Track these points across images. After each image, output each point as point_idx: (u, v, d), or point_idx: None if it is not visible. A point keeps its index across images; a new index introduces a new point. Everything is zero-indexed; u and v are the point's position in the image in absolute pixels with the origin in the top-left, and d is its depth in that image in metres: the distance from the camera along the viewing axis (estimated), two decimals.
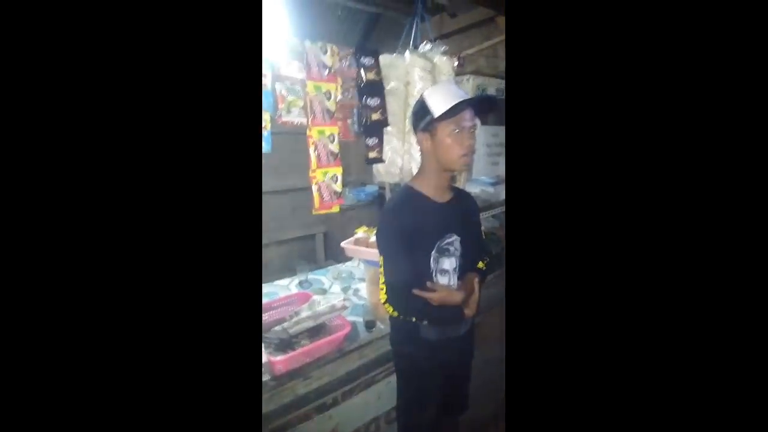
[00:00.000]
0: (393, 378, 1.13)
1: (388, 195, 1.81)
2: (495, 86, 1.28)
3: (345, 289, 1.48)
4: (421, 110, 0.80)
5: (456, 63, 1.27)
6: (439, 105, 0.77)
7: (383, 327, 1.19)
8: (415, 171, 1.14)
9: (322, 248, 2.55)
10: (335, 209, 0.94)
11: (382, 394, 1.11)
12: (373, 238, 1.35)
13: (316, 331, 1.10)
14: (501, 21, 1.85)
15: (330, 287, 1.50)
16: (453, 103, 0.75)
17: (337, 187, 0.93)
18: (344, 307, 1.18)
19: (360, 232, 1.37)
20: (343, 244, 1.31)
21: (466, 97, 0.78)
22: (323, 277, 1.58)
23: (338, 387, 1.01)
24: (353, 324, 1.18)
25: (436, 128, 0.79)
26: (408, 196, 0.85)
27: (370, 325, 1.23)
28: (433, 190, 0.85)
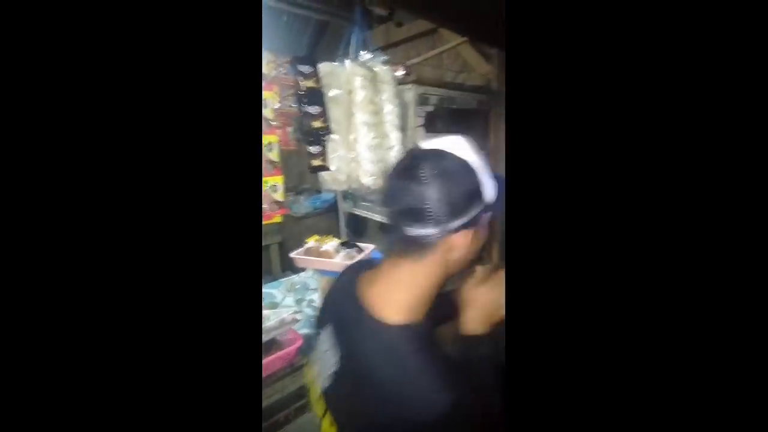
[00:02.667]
0: None
1: (340, 202, 1.80)
2: (438, 96, 1.33)
3: (299, 302, 1.43)
4: (470, 195, 0.44)
5: (401, 72, 1.30)
6: (490, 189, 0.47)
7: None
8: (364, 180, 1.14)
9: (278, 259, 2.47)
10: (277, 219, 0.92)
11: None
12: (324, 247, 1.34)
13: (266, 347, 1.06)
14: (444, 32, 1.94)
15: (282, 300, 1.45)
16: (496, 184, 0.47)
17: (278, 196, 0.91)
18: (295, 321, 1.15)
19: (311, 242, 1.35)
20: (292, 254, 1.28)
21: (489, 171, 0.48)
22: (275, 291, 1.52)
23: (291, 403, 0.97)
24: (306, 337, 1.15)
25: (482, 221, 0.47)
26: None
27: None
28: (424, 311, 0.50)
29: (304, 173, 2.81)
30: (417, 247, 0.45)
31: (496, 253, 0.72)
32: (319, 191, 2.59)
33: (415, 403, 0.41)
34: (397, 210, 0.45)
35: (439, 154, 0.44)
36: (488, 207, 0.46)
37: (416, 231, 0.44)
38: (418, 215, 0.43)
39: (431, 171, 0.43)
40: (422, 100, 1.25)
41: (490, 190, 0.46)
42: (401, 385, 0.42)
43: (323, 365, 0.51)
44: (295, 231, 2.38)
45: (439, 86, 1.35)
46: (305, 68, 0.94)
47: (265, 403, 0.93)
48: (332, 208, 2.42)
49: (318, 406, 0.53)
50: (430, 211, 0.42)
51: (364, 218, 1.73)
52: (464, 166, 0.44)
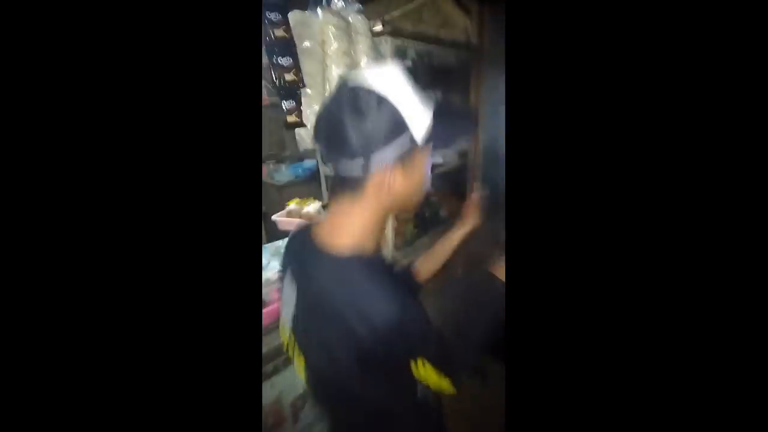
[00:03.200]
0: None
1: (321, 165, 1.78)
2: (415, 49, 1.29)
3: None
4: (388, 129, 0.43)
5: (379, 27, 1.24)
6: (419, 119, 0.45)
7: None
8: None
9: (263, 231, 2.45)
10: None
11: None
12: (306, 209, 1.34)
13: None
14: None
15: (268, 264, 1.46)
16: (429, 116, 0.46)
17: None
18: (280, 280, 1.17)
19: (292, 204, 1.34)
20: (274, 217, 1.28)
21: (425, 100, 0.46)
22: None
23: (278, 355, 1.01)
24: None
25: (412, 157, 0.46)
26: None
27: None
28: (376, 243, 0.53)
29: (284, 140, 2.73)
30: (350, 186, 0.47)
31: (473, 211, 0.73)
32: (300, 159, 2.54)
33: (364, 321, 0.43)
34: (328, 147, 0.46)
35: (361, 90, 0.43)
36: (418, 145, 0.45)
37: (343, 169, 0.45)
38: (343, 150, 0.44)
39: (350, 107, 0.42)
40: (400, 53, 1.21)
41: (419, 125, 0.44)
42: (350, 307, 0.44)
43: (287, 306, 0.54)
44: (277, 200, 2.35)
45: (416, 39, 1.30)
46: (274, 15, 0.89)
47: None
48: (314, 176, 2.38)
49: (288, 345, 0.57)
50: (352, 146, 0.43)
51: None
52: (383, 102, 0.42)
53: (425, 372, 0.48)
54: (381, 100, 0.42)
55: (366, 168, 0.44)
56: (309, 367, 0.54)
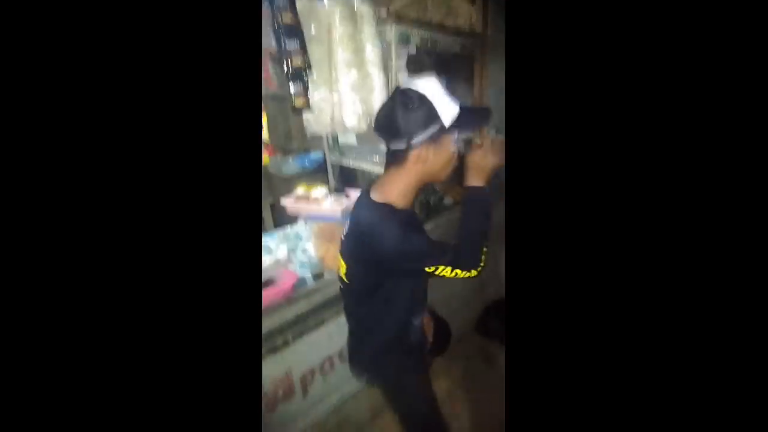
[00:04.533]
0: (343, 318, 1.20)
1: (328, 154, 1.81)
2: (419, 35, 1.31)
3: (292, 250, 1.49)
4: (424, 118, 0.62)
5: (383, 13, 1.27)
6: (448, 112, 0.63)
7: (329, 277, 1.24)
8: (347, 121, 1.16)
9: (270, 219, 2.50)
10: (265, 160, 0.94)
11: (333, 334, 1.17)
12: (313, 194, 1.37)
13: (263, 284, 1.13)
14: None
15: (276, 249, 1.50)
16: (457, 109, 0.64)
17: (263, 135, 0.93)
18: (289, 261, 1.21)
19: (300, 189, 1.38)
20: (283, 201, 1.32)
21: (454, 99, 0.65)
22: (270, 241, 1.57)
23: (288, 329, 1.05)
24: (301, 276, 1.21)
25: (441, 139, 0.64)
26: (402, 222, 0.68)
27: (317, 277, 1.27)
28: (410, 201, 0.72)
29: (290, 133, 2.77)
30: (398, 158, 0.67)
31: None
32: (307, 151, 2.58)
33: (382, 246, 0.65)
34: (384, 131, 0.67)
35: (406, 91, 0.63)
36: (447, 129, 0.64)
37: (394, 145, 0.65)
38: (394, 133, 0.64)
39: (400, 103, 0.63)
40: (404, 39, 1.24)
41: (447, 116, 0.64)
42: (375, 236, 0.66)
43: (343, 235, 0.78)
44: (284, 191, 2.40)
45: (420, 26, 1.32)
46: (282, 3, 0.92)
47: (265, 330, 1.01)
48: (321, 167, 2.42)
49: (339, 260, 0.80)
50: (400, 129, 0.63)
51: (353, 169, 1.75)
52: (422, 99, 0.62)
53: (435, 270, 0.67)
54: (422, 98, 0.62)
55: (409, 144, 0.63)
56: (347, 268, 0.79)
